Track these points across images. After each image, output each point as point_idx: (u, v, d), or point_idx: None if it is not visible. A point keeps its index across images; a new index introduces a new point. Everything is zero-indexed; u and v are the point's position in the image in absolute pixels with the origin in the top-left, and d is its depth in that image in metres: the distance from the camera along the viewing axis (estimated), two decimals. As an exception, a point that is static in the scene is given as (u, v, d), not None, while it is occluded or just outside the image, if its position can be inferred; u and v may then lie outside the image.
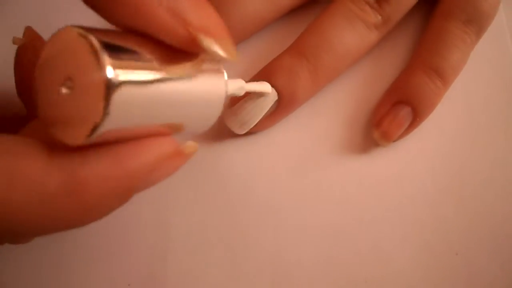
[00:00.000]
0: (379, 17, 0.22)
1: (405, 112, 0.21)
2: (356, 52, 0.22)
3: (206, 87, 0.15)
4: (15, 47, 0.17)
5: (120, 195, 0.14)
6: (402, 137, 0.22)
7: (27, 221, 0.12)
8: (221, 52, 0.14)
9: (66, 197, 0.12)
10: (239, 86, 0.18)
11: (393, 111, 0.21)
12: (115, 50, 0.12)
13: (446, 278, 0.20)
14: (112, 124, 0.12)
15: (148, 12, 0.13)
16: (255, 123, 0.20)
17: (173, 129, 0.15)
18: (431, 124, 0.22)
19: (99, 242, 0.20)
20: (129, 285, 0.19)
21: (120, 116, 0.12)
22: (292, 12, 0.24)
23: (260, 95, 0.20)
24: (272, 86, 0.20)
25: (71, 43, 0.12)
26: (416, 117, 0.21)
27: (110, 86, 0.11)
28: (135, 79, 0.12)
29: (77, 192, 0.12)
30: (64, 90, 0.12)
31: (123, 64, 0.12)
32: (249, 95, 0.20)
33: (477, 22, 0.22)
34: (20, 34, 0.17)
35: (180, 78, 0.14)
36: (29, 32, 0.17)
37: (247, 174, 0.21)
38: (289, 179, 0.21)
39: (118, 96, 0.12)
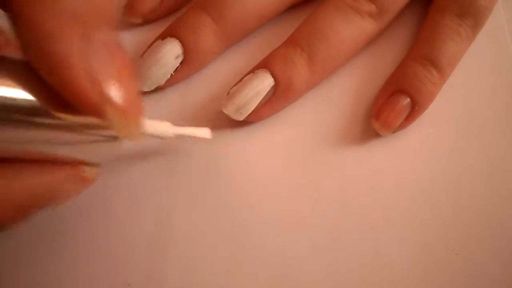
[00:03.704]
0: (373, 6, 0.22)
1: (403, 101, 0.21)
2: (352, 41, 0.22)
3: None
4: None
5: (19, 209, 0.14)
6: (403, 127, 0.22)
7: None
8: (124, 134, 0.14)
9: None
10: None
11: (391, 100, 0.21)
12: None
13: (446, 278, 0.20)
14: None
15: (64, 65, 0.12)
16: (252, 108, 0.21)
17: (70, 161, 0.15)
18: (431, 124, 0.22)
19: (99, 242, 0.20)
20: (129, 285, 0.19)
21: None
22: (293, 9, 0.24)
23: (257, 78, 0.21)
24: (270, 72, 0.21)
25: None
26: (415, 106, 0.21)
27: None
28: None
29: None
30: None
31: None
32: (246, 79, 0.21)
33: (472, 15, 0.22)
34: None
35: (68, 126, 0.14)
36: None
37: (246, 172, 0.21)
38: (289, 178, 0.21)
39: None
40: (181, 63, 0.21)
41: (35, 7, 0.12)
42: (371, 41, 0.23)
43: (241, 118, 0.21)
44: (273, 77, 0.21)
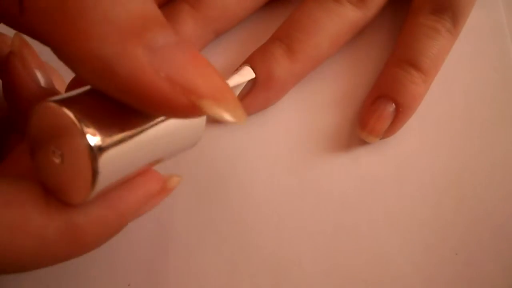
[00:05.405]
0: None
1: (387, 106, 0.21)
2: (334, 29, 0.22)
3: (185, 121, 0.15)
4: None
5: (112, 233, 0.15)
6: (392, 132, 0.22)
7: (26, 262, 0.13)
8: (229, 117, 0.12)
9: (64, 242, 0.13)
10: None
11: (374, 106, 0.21)
12: (91, 116, 0.12)
13: (446, 278, 0.20)
14: (104, 183, 0.13)
15: (143, 84, 0.11)
16: None
17: (158, 162, 0.15)
18: (431, 124, 0.22)
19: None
20: (129, 285, 0.19)
21: (110, 174, 0.13)
22: (290, 10, 0.24)
23: (236, 73, 0.21)
24: (250, 66, 0.21)
25: (52, 117, 0.12)
26: (399, 108, 0.21)
27: (94, 154, 0.12)
28: (115, 140, 0.13)
29: (74, 238, 0.13)
30: (56, 160, 0.13)
31: (102, 128, 0.12)
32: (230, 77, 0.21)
33: (449, 9, 0.22)
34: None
35: (158, 123, 0.14)
36: (17, 39, 0.17)
37: (247, 172, 0.21)
38: (289, 179, 0.21)
39: (103, 160, 0.12)
40: None
41: (90, 41, 0.11)
42: (360, 30, 0.23)
43: None
44: (252, 70, 0.21)
